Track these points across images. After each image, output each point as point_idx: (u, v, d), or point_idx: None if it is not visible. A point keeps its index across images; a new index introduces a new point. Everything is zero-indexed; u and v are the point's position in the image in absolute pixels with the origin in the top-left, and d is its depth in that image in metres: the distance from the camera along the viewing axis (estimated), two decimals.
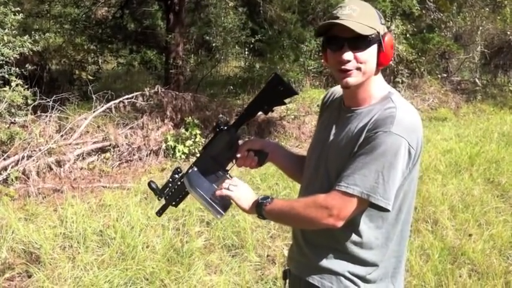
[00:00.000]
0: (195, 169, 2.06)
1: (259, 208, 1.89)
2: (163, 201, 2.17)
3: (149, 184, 2.12)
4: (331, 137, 1.90)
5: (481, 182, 6.72)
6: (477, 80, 15.96)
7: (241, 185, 1.99)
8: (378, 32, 1.75)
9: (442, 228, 5.18)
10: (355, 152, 1.75)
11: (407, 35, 13.87)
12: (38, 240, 4.49)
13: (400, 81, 13.88)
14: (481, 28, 16.42)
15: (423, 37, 14.65)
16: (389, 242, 1.85)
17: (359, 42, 1.74)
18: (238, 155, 2.08)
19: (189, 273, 4.12)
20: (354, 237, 1.82)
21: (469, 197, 6.07)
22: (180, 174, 2.11)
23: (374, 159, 1.68)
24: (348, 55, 1.75)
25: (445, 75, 16.21)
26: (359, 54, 1.75)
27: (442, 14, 14.52)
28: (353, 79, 1.78)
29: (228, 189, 1.96)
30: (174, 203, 2.14)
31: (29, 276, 4.13)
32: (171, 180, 2.12)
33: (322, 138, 1.96)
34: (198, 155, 2.16)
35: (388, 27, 12.88)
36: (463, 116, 13.22)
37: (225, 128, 2.07)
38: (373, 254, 1.84)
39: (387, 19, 13.13)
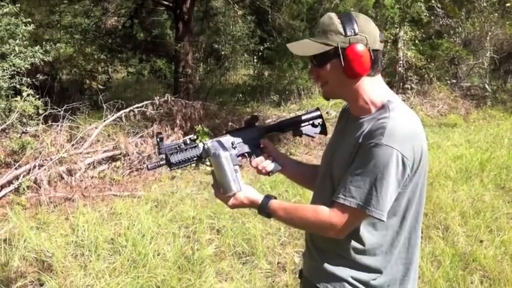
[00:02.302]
0: (218, 140, 2.08)
1: (263, 206, 1.93)
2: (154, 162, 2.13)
3: (159, 133, 2.09)
4: (338, 145, 1.94)
5: (492, 188, 6.69)
6: (487, 86, 15.89)
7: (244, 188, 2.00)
8: (336, 47, 1.78)
9: (453, 234, 5.15)
10: (352, 162, 1.79)
11: (416, 41, 13.87)
12: (49, 249, 4.52)
13: (409, 88, 13.87)
14: (490, 33, 16.36)
15: (432, 43, 14.64)
16: (394, 249, 1.87)
17: (316, 59, 1.85)
18: (258, 159, 2.13)
19: (200, 281, 4.13)
20: (357, 244, 1.85)
21: (480, 203, 6.03)
22: (194, 140, 2.09)
23: (367, 171, 1.72)
24: (313, 71, 1.90)
25: (454, 81, 16.17)
26: (319, 70, 1.86)
27: (450, 20, 14.51)
28: (326, 92, 1.92)
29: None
30: (174, 162, 2.04)
31: (41, 285, 4.15)
32: (182, 143, 2.08)
33: (332, 146, 2.02)
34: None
35: (396, 34, 12.96)
36: (473, 121, 13.17)
37: (258, 126, 2.17)
38: (376, 260, 1.86)
39: (396, 25, 13.16)
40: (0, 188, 6.13)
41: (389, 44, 13.62)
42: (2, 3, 7.34)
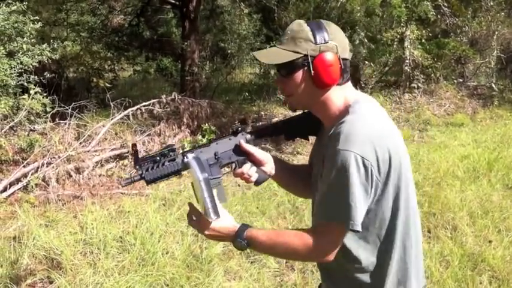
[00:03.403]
0: (198, 156, 1.91)
1: (240, 233, 1.80)
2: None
3: (134, 146, 1.89)
4: (315, 160, 1.94)
5: (500, 187, 6.67)
6: (493, 85, 15.79)
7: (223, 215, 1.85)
8: (305, 55, 1.73)
9: (461, 234, 5.15)
10: (321, 175, 1.75)
11: (423, 40, 13.83)
12: (58, 247, 4.54)
13: (416, 87, 13.82)
14: (497, 33, 16.28)
15: (438, 42, 14.57)
16: (390, 261, 1.80)
17: (283, 68, 1.79)
18: (239, 170, 1.99)
19: (208, 280, 4.14)
20: (355, 262, 1.81)
21: (488, 203, 6.02)
22: (174, 153, 1.92)
23: (331, 182, 1.66)
24: (278, 82, 1.83)
25: (461, 80, 16.10)
26: (285, 81, 1.79)
27: (457, 19, 14.45)
28: (292, 103, 1.85)
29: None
30: (149, 179, 1.88)
31: (51, 282, 4.17)
32: (160, 154, 1.90)
33: (312, 160, 2.02)
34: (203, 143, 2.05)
35: (402, 33, 12.89)
36: (480, 121, 13.12)
37: (244, 133, 2.02)
38: (375, 276, 1.82)
39: (402, 24, 13.11)
40: (8, 185, 6.15)
41: (395, 43, 13.59)
42: (10, 1, 7.34)
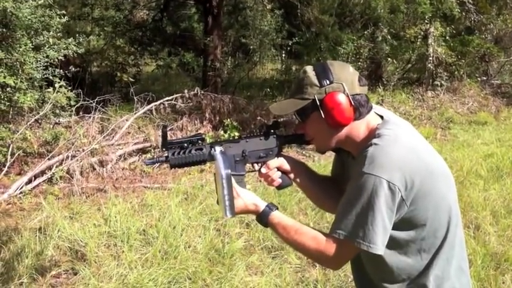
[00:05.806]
0: (225, 151, 1.91)
1: (264, 214, 1.87)
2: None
3: (164, 127, 1.87)
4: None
5: None
6: None
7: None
8: (313, 99, 1.76)
9: (484, 233, 5.11)
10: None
11: (447, 37, 13.70)
12: (83, 239, 4.60)
13: (439, 84, 13.71)
14: None
15: (462, 39, 14.44)
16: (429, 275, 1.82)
17: (299, 116, 1.85)
18: (264, 170, 2.00)
19: (230, 274, 4.16)
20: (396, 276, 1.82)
21: (511, 203, 5.96)
22: (203, 142, 1.91)
23: (352, 201, 1.68)
24: (300, 129, 1.90)
25: (484, 78, 15.93)
26: (304, 126, 1.87)
27: (482, 16, 14.29)
28: (318, 147, 1.90)
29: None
30: (174, 164, 1.88)
31: (75, 274, 4.23)
32: (188, 141, 1.90)
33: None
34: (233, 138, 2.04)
35: (426, 30, 12.77)
36: (504, 120, 12.96)
37: (277, 135, 2.00)
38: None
39: (426, 21, 13.01)
40: (33, 177, 6.25)
41: (419, 40, 13.48)
42: None
